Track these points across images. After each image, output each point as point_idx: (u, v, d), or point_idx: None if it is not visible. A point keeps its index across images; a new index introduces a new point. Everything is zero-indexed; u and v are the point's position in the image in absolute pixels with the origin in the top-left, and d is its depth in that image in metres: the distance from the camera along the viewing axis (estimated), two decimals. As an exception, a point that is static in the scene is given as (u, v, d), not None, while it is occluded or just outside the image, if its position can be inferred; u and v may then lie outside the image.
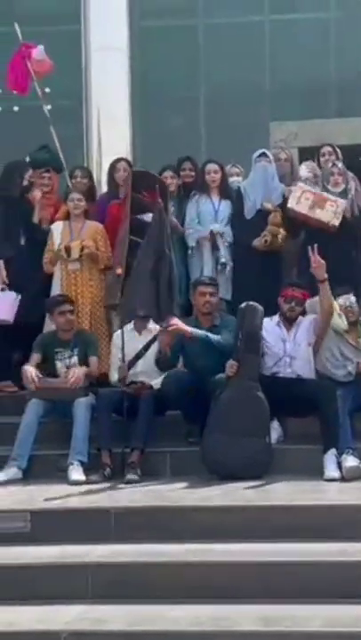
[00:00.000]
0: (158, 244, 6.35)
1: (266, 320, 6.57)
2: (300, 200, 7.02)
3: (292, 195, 7.11)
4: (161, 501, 5.57)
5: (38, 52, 8.13)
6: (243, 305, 6.42)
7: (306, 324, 6.58)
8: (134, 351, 6.65)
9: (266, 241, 7.26)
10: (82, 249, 7.26)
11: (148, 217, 6.91)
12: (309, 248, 6.41)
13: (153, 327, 6.70)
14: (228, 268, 7.43)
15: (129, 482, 5.94)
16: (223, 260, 7.42)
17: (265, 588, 4.76)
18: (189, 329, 6.33)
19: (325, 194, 7.10)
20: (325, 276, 6.40)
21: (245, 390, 6.16)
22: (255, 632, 4.42)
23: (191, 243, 7.57)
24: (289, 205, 7.11)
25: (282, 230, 7.25)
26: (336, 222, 7.01)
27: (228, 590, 4.76)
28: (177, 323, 6.28)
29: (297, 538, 5.10)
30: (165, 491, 5.77)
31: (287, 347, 6.50)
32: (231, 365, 6.19)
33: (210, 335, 6.37)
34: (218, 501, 5.50)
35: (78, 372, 6.50)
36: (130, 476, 5.98)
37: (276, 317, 6.62)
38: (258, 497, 5.57)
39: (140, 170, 7.46)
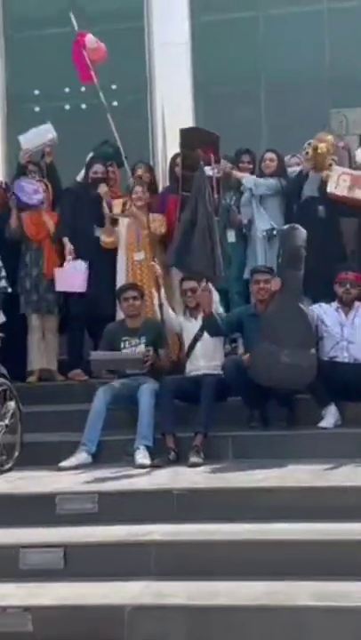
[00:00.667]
0: (195, 206, 6.62)
1: (325, 305, 6.78)
2: (339, 183, 7.17)
3: (330, 179, 7.24)
4: (221, 483, 5.77)
5: (90, 39, 8.21)
6: (285, 227, 6.70)
7: None
8: (193, 334, 6.87)
9: (307, 153, 7.40)
10: (124, 204, 7.51)
11: (205, 170, 7.16)
12: None
13: None
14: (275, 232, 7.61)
15: (192, 465, 6.16)
16: (269, 226, 7.59)
17: (321, 565, 4.92)
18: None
19: None
20: None
21: (289, 303, 6.42)
22: (309, 606, 4.58)
23: (244, 220, 7.83)
24: (328, 190, 7.25)
25: (323, 145, 7.38)
26: None
27: (285, 568, 4.93)
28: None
29: (353, 518, 5.24)
30: (226, 473, 5.96)
31: (345, 331, 6.65)
32: (275, 282, 6.47)
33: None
34: (275, 483, 5.68)
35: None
36: (193, 459, 6.20)
37: (334, 303, 6.78)
38: (314, 478, 5.73)
39: (190, 127, 7.68)
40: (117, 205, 7.74)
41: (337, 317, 6.72)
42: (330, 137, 7.55)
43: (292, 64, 11.01)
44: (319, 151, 7.37)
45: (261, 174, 7.93)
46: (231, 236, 7.88)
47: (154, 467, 6.19)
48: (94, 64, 8.15)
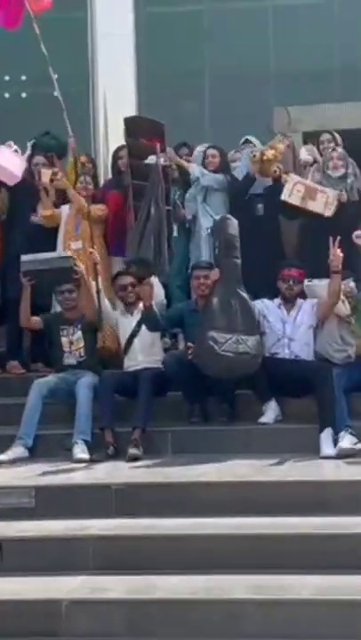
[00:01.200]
0: (150, 197, 6.67)
1: (268, 301, 6.79)
2: (293, 192, 7.23)
3: (285, 187, 7.27)
4: (160, 478, 5.74)
5: None
6: (218, 217, 6.73)
7: (307, 307, 6.74)
8: (130, 330, 6.82)
9: (254, 155, 7.41)
10: (54, 174, 7.49)
11: (151, 159, 7.22)
12: (331, 239, 6.54)
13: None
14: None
15: (131, 458, 6.11)
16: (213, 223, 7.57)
17: (258, 559, 4.94)
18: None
19: (317, 185, 7.24)
20: (340, 267, 6.54)
21: (230, 292, 6.45)
22: (246, 599, 4.62)
23: (188, 216, 7.78)
24: (283, 198, 7.29)
25: (271, 153, 7.42)
26: (328, 213, 7.21)
27: (223, 562, 4.94)
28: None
29: (291, 512, 5.27)
30: (165, 468, 5.94)
31: (287, 328, 6.66)
32: (214, 273, 6.50)
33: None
34: (215, 477, 5.67)
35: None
36: (132, 452, 6.14)
37: (277, 300, 6.79)
38: (254, 473, 5.73)
39: (134, 116, 7.65)
40: (46, 174, 7.62)
41: (279, 314, 6.73)
42: (281, 145, 7.55)
43: (236, 59, 11.05)
44: (265, 158, 7.38)
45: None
46: (174, 231, 7.83)
47: (92, 461, 6.14)
48: (36, 15, 7.81)
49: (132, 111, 10.32)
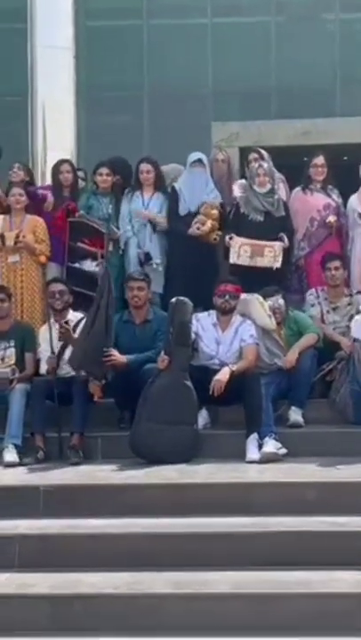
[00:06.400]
0: (97, 305, 6.59)
1: (203, 315, 6.81)
2: (240, 253, 7.29)
3: (231, 250, 7.34)
4: (88, 480, 5.83)
5: None
6: (173, 300, 6.64)
7: (244, 330, 6.71)
8: (61, 342, 6.87)
9: (198, 228, 7.50)
10: (17, 237, 7.46)
11: (88, 265, 7.41)
12: None
13: (73, 316, 6.88)
14: (156, 262, 7.59)
15: (73, 464, 6.20)
16: (147, 251, 7.64)
17: (179, 556, 5.08)
18: (125, 359, 6.56)
19: (262, 242, 7.32)
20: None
21: (175, 381, 6.39)
22: (166, 594, 4.75)
23: (121, 244, 7.72)
24: (231, 261, 7.35)
25: (209, 222, 7.49)
26: (278, 264, 7.30)
27: (146, 559, 5.07)
28: (115, 355, 6.53)
29: (215, 513, 5.41)
30: (94, 471, 6.03)
31: (220, 350, 6.69)
32: (162, 359, 6.42)
33: (140, 356, 6.61)
34: (142, 480, 5.79)
35: None
36: (73, 459, 6.24)
37: (213, 315, 6.83)
38: (180, 476, 5.85)
39: (78, 220, 7.63)
40: (10, 238, 7.50)
41: (214, 334, 6.76)
42: (214, 211, 7.57)
43: (175, 74, 11.20)
44: (205, 228, 7.45)
45: (137, 185, 7.81)
46: (109, 246, 7.85)
47: (22, 465, 6.21)
48: None
49: (70, 121, 10.40)
